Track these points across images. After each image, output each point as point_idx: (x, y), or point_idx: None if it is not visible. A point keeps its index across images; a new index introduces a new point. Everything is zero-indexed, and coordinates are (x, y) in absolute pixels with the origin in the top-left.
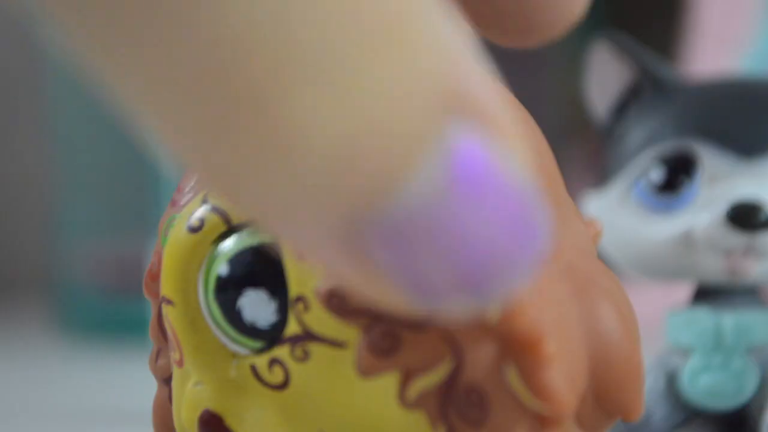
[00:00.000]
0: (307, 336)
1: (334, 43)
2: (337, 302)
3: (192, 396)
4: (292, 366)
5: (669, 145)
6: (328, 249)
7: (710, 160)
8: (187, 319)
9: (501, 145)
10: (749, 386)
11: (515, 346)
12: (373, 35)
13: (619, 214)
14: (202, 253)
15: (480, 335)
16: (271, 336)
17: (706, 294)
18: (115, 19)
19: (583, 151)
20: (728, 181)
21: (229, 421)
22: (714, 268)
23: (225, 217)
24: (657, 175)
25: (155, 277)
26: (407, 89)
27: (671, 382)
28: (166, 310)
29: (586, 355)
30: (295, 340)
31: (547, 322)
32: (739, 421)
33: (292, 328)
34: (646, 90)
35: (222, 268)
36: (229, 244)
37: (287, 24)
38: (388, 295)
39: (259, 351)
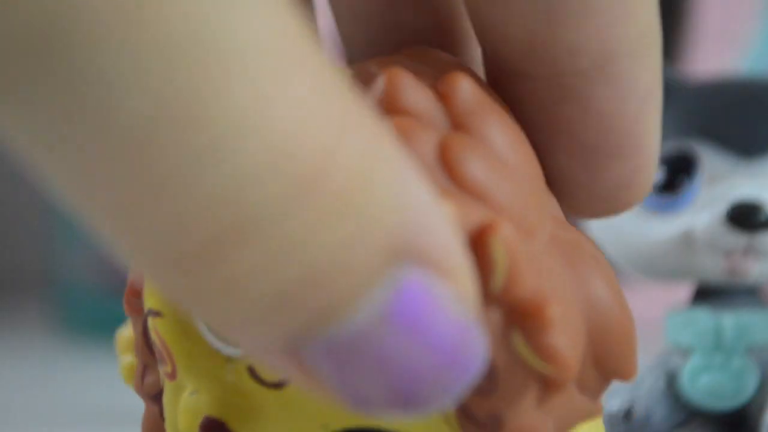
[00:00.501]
0: None
1: (285, 202)
2: None
3: (190, 405)
4: None
5: (669, 146)
6: (273, 358)
7: (710, 160)
8: (178, 328)
9: (443, 286)
10: (749, 386)
11: (520, 312)
12: (326, 195)
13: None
14: None
15: (484, 304)
16: None
17: (706, 294)
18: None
19: None
20: (728, 181)
21: (232, 425)
22: (714, 268)
23: None
24: (657, 175)
25: (137, 294)
26: (356, 240)
27: (671, 382)
28: (154, 322)
29: (583, 322)
30: None
31: (548, 288)
32: (739, 421)
33: None
34: None
35: None
36: None
37: (240, 191)
38: (329, 397)
39: None
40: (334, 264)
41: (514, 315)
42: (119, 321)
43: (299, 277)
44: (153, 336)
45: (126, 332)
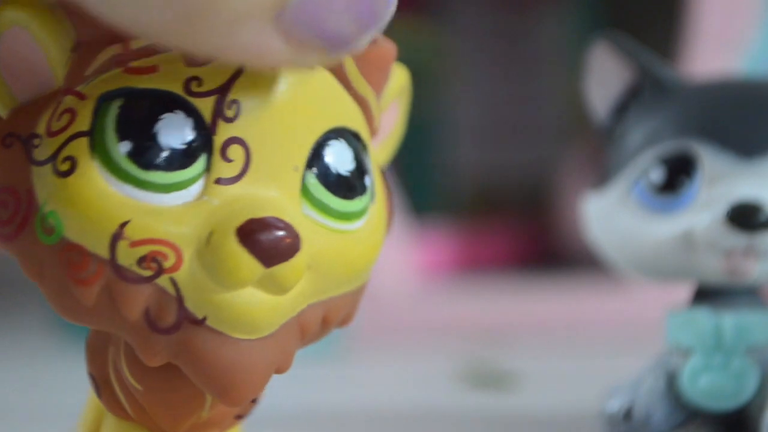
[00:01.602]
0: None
1: None
2: None
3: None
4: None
5: (669, 145)
6: (268, 40)
7: (710, 160)
8: None
9: None
10: (749, 386)
11: None
12: None
13: (619, 214)
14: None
15: None
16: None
17: (706, 294)
18: None
19: (583, 151)
20: (728, 181)
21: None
22: (714, 269)
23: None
24: (657, 175)
25: None
26: None
27: (671, 382)
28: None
29: None
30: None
31: None
32: (739, 421)
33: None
34: (646, 90)
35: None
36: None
37: None
38: (310, 54)
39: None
40: None
41: None
42: None
43: None
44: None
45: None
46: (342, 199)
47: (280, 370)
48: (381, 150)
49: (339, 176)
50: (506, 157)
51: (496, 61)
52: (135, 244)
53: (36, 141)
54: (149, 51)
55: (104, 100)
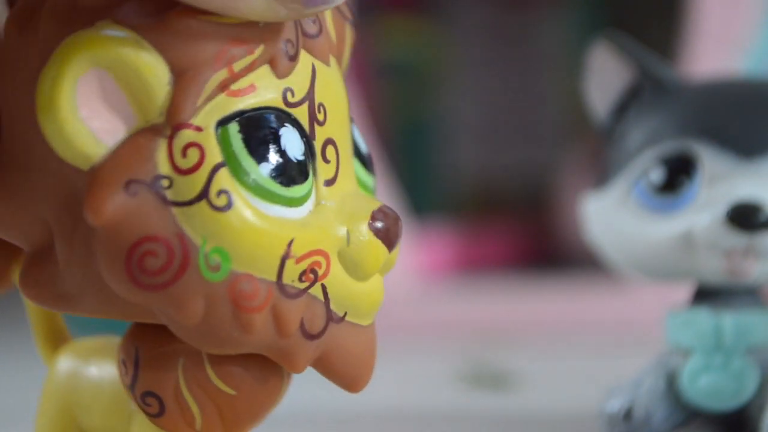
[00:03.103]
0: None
1: None
2: None
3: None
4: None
5: (669, 146)
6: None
7: (710, 160)
8: None
9: None
10: (749, 387)
11: None
12: None
13: (619, 214)
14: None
15: None
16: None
17: (706, 294)
18: None
19: (583, 151)
20: (728, 181)
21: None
22: (714, 269)
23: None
24: (657, 175)
25: None
26: None
27: (671, 382)
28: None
29: None
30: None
31: None
32: (739, 422)
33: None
34: (646, 90)
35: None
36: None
37: None
38: (287, 7)
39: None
40: None
41: None
42: (119, 321)
43: None
44: None
45: None
46: (372, 177)
47: None
48: None
49: (366, 157)
50: (506, 157)
51: (496, 60)
52: (299, 259)
53: (164, 182)
54: (245, 71)
55: (219, 127)
